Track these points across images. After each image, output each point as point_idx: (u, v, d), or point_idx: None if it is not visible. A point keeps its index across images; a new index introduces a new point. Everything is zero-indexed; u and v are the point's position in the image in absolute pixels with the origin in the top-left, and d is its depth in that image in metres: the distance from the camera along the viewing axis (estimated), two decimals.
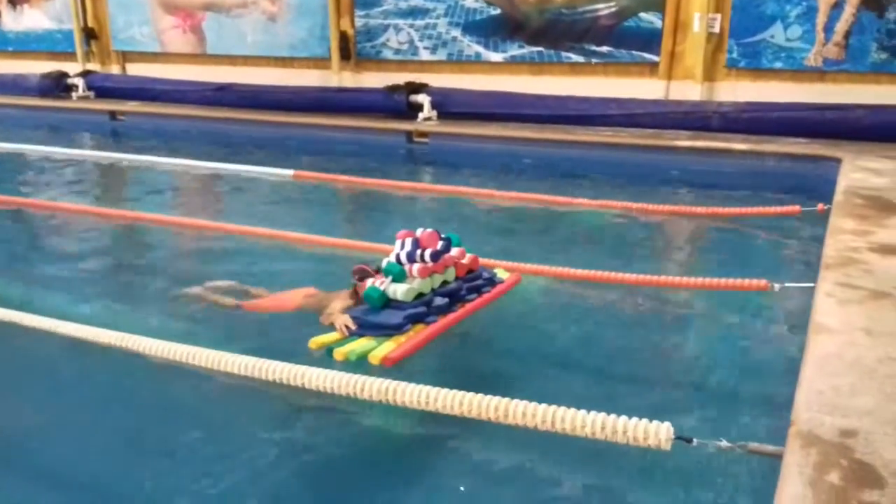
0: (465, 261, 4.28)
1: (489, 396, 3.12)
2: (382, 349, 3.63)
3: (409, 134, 10.50)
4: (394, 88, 11.37)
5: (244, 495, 3.01)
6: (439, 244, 4.12)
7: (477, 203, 7.67)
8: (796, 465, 2.34)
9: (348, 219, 8.24)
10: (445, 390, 3.20)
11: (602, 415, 2.93)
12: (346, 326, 3.83)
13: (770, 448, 2.67)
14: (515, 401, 3.07)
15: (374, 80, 12.63)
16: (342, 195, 8.71)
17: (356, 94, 11.98)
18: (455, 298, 4.08)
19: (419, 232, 4.16)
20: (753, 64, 10.25)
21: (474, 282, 4.27)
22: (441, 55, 12.34)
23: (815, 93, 9.71)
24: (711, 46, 10.40)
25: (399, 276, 3.96)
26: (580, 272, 4.98)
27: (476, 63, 12.10)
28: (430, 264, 4.03)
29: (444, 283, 4.13)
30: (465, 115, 10.85)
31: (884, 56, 9.46)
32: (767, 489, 2.37)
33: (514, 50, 11.73)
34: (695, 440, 2.79)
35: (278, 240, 6.18)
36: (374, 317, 3.84)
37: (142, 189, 9.10)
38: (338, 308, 4.01)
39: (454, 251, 4.20)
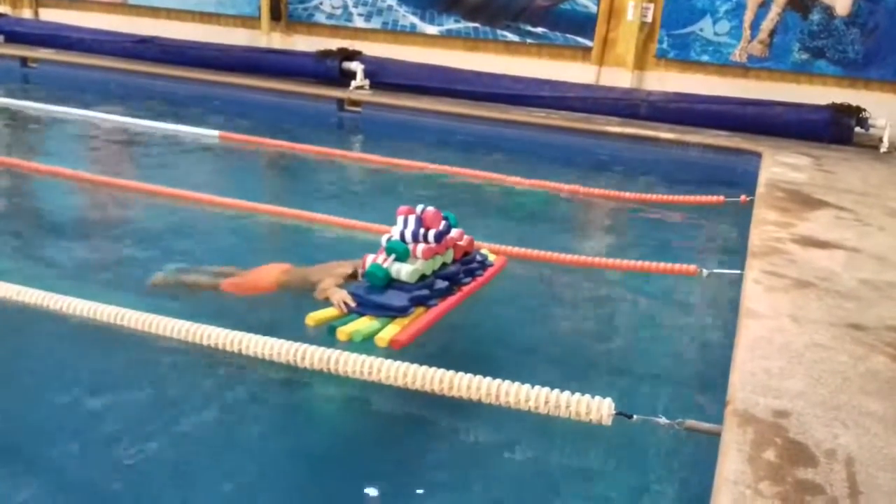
0: (462, 242, 4.18)
1: (434, 369, 3.13)
2: (388, 331, 3.51)
3: (340, 102, 10.30)
4: (326, 54, 11.12)
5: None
6: (441, 224, 3.98)
7: (408, 176, 7.63)
8: (735, 443, 2.44)
9: (278, 184, 8.07)
10: (389, 361, 3.19)
11: (545, 390, 2.99)
12: (345, 303, 3.66)
13: (706, 426, 2.78)
14: (460, 374, 3.09)
15: (304, 43, 12.34)
16: (271, 159, 8.50)
17: (286, 57, 11.65)
18: (453, 281, 4.01)
19: (419, 209, 3.99)
20: (682, 56, 10.53)
21: (470, 265, 4.20)
22: (375, 23, 12.15)
23: (738, 88, 10.05)
24: (643, 35, 10.62)
25: (403, 256, 3.81)
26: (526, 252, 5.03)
27: (411, 34, 11.97)
28: (434, 245, 3.90)
29: (444, 264, 4.02)
30: (399, 86, 10.73)
31: (805, 56, 9.87)
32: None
33: (450, 24, 11.67)
34: (635, 416, 2.88)
35: (215, 205, 5.97)
36: (377, 296, 3.68)
37: (56, 141, 8.66)
38: (332, 283, 3.83)
39: (453, 232, 4.09)
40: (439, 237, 3.92)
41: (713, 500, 2.19)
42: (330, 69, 10.93)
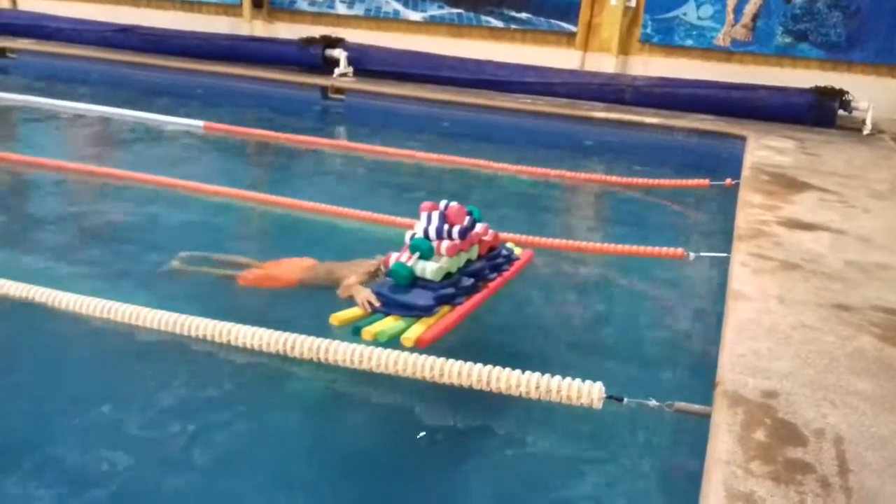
0: (487, 237, 4.05)
1: (424, 356, 3.13)
2: (413, 331, 3.40)
3: (324, 89, 10.25)
4: (309, 41, 11.05)
5: None
6: (466, 220, 3.85)
7: (394, 163, 7.61)
8: (725, 424, 2.46)
9: (268, 175, 7.99)
10: (380, 349, 3.19)
11: (536, 375, 3.00)
12: (370, 303, 3.57)
13: (696, 407, 2.80)
14: (451, 360, 3.10)
15: (286, 31, 12.26)
16: (258, 149, 8.43)
17: (269, 45, 11.56)
18: (479, 278, 3.91)
19: (443, 205, 3.87)
20: (666, 40, 10.54)
21: (495, 260, 4.09)
22: (358, 10, 12.08)
23: (722, 72, 10.09)
24: (627, 20, 10.61)
25: (427, 253, 3.68)
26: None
27: (394, 21, 11.91)
28: (459, 242, 3.77)
29: (468, 261, 3.91)
30: (383, 73, 10.68)
31: (788, 40, 9.91)
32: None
33: (434, 10, 11.61)
34: (625, 399, 2.89)
35: (203, 193, 5.94)
36: (402, 295, 3.58)
37: (38, 133, 8.54)
38: (355, 281, 3.74)
39: (478, 227, 3.95)
40: (464, 233, 3.81)
41: (705, 479, 2.21)
42: (313, 57, 10.87)
